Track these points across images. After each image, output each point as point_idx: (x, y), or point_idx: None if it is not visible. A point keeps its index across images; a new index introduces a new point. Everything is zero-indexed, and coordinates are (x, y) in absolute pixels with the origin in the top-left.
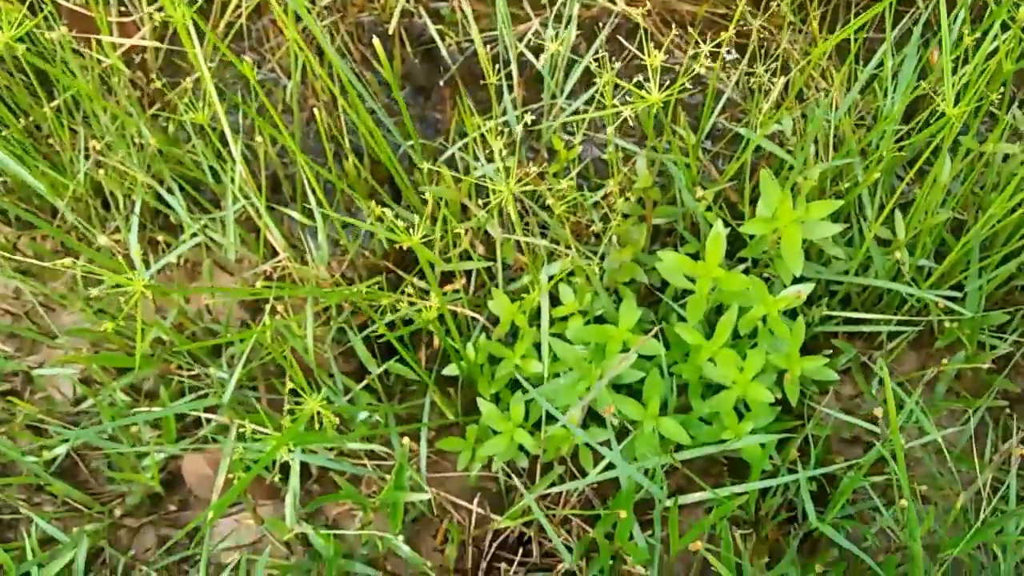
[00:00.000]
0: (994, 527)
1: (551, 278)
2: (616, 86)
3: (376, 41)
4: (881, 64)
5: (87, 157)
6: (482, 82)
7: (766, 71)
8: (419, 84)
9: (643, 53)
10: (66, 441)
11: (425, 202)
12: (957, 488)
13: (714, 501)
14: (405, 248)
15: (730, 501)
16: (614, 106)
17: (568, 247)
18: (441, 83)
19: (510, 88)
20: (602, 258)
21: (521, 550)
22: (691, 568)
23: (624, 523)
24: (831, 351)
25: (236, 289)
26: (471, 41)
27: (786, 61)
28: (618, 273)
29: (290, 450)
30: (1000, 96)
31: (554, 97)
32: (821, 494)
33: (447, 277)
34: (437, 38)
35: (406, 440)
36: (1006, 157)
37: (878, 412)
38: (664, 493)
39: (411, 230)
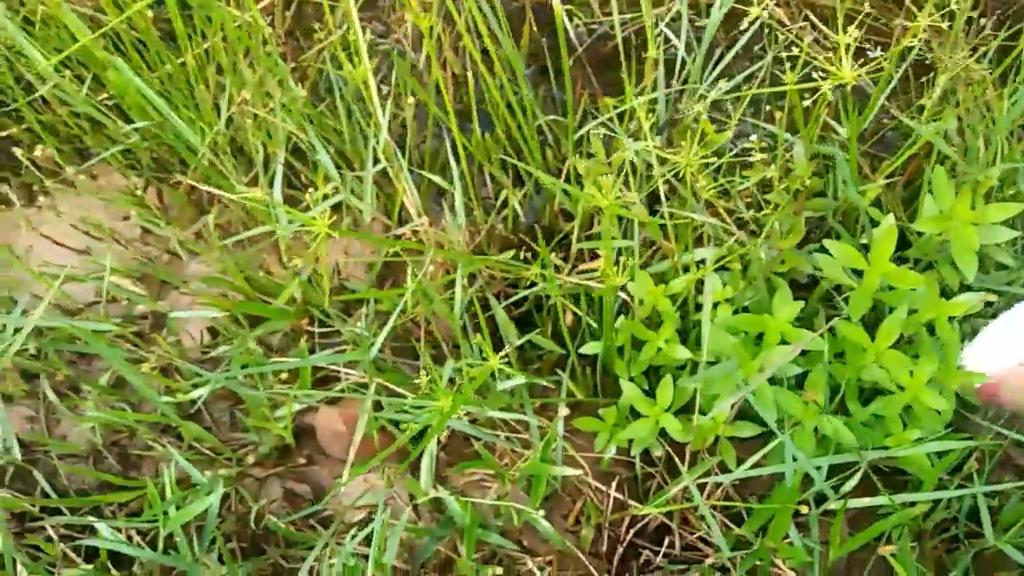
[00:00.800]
0: None
1: (702, 263)
2: (760, 77)
3: (556, 3)
4: None
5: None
6: (607, 60)
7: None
8: (544, 64)
9: (775, 46)
10: (206, 383)
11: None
12: None
13: (882, 510)
14: (536, 224)
15: (907, 510)
16: (797, 82)
17: (726, 229)
18: (569, 64)
19: (645, 70)
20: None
21: (666, 541)
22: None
23: (780, 522)
24: None
25: (394, 241)
26: (599, 23)
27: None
28: (775, 262)
29: (457, 415)
30: None
31: (692, 82)
32: (976, 512)
33: (580, 256)
34: (565, 19)
35: (564, 409)
36: None
37: None
38: (835, 494)
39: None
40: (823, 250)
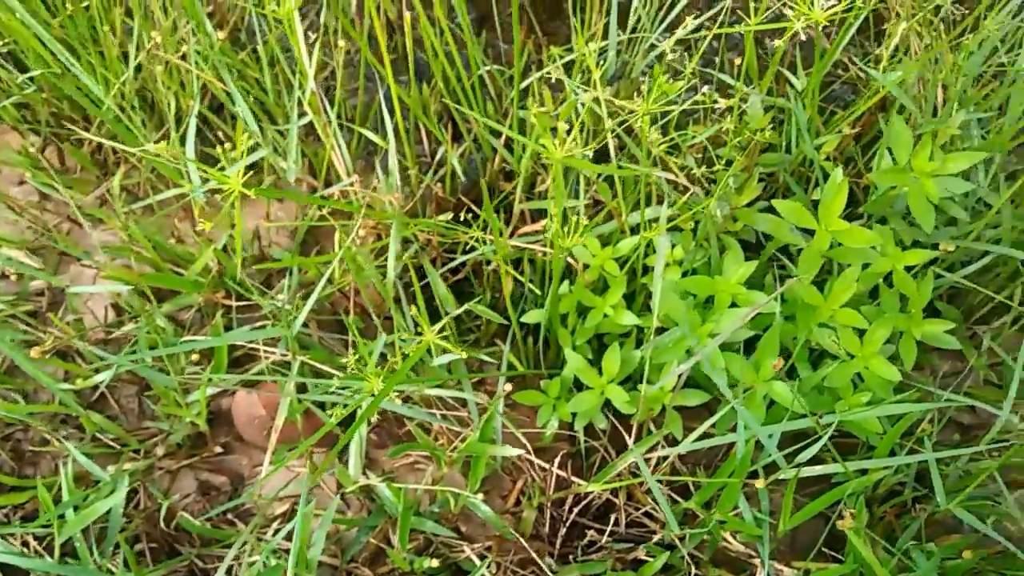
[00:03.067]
0: None
1: (654, 221)
2: (705, 36)
3: None
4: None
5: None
6: (552, 8)
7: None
8: (483, 11)
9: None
10: (108, 367)
11: (496, 137)
12: None
13: (833, 477)
14: (471, 183)
15: (861, 478)
16: (761, 22)
17: (662, 191)
18: (507, 12)
19: (592, 18)
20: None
21: (610, 518)
22: (791, 545)
23: (729, 494)
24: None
25: (326, 200)
26: None
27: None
28: (727, 221)
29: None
30: None
31: (642, 30)
32: (925, 475)
33: (523, 218)
34: None
35: (507, 386)
36: None
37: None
38: (787, 464)
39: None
40: (773, 209)
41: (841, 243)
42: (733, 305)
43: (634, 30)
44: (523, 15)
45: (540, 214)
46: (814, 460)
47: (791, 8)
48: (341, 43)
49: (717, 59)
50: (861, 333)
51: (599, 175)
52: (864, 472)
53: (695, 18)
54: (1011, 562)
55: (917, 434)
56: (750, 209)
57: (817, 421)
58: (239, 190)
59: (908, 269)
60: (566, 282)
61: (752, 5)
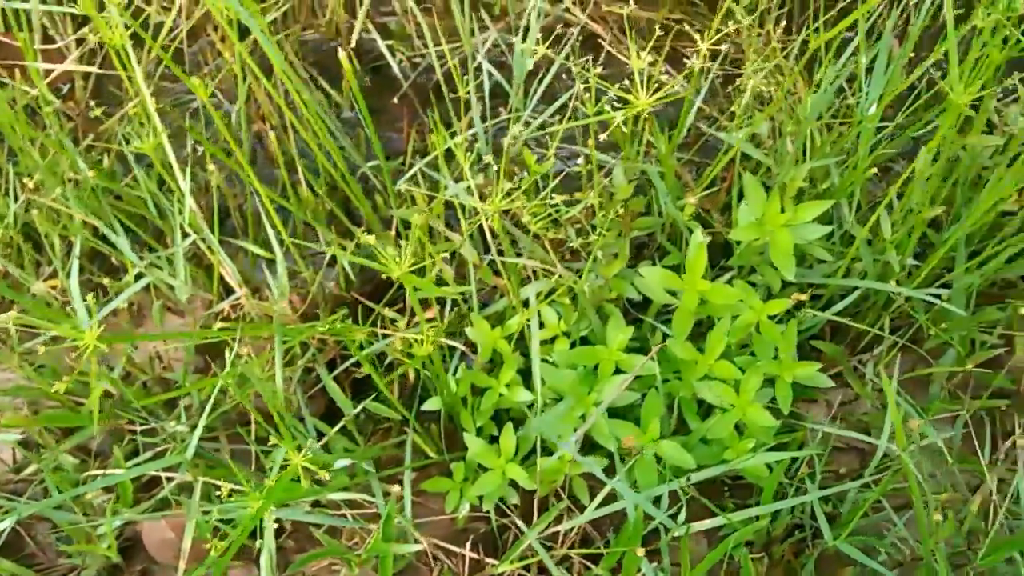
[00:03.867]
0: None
1: (535, 298)
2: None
3: (343, 57)
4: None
5: (16, 198)
6: (435, 95)
7: (732, 81)
8: (370, 104)
9: (598, 64)
10: (8, 513)
11: (388, 228)
12: (961, 492)
13: (728, 527)
14: (369, 277)
15: (747, 526)
16: (597, 113)
17: (549, 266)
18: (395, 101)
19: (478, 100)
20: (578, 275)
21: None
22: None
23: (631, 559)
24: (820, 359)
25: (194, 332)
26: (423, 56)
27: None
28: (603, 290)
29: (273, 510)
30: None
31: (518, 110)
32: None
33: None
34: (387, 53)
35: (396, 488)
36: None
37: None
38: (676, 523)
39: (389, 258)
40: None
41: (708, 300)
42: (617, 371)
43: (518, 109)
44: (408, 106)
45: (439, 301)
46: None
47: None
48: (211, 167)
49: (595, 130)
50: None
51: (483, 261)
52: (755, 519)
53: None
54: None
55: (800, 474)
56: (621, 279)
57: (685, 480)
58: (93, 344)
59: (779, 315)
60: (463, 367)
61: (590, 93)
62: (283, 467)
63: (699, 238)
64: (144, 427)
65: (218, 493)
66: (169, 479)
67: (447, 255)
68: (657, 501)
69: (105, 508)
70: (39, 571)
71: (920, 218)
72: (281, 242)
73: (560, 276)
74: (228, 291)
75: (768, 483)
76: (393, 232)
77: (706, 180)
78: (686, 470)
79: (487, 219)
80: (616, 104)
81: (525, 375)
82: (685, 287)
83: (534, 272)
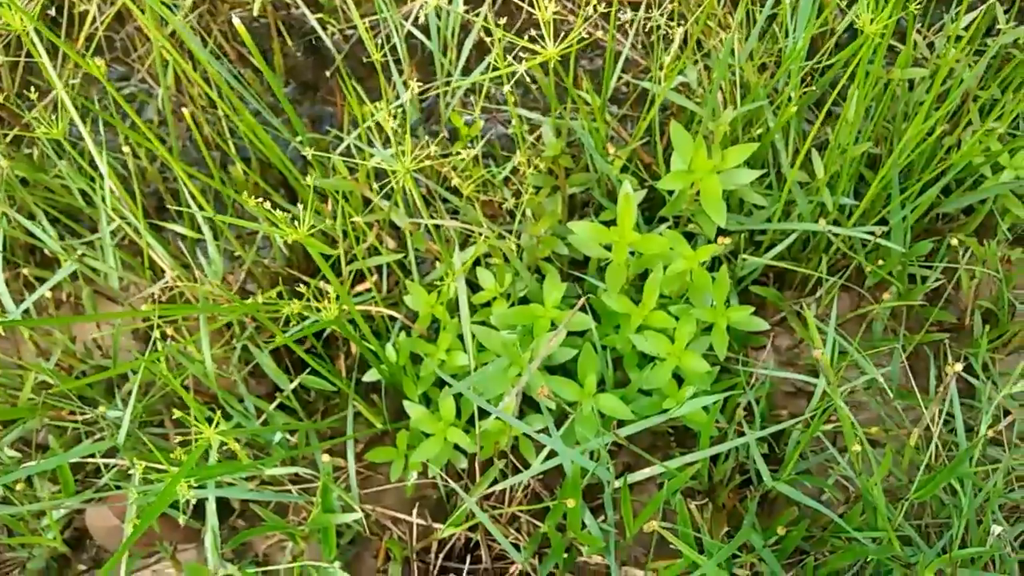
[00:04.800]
0: (953, 469)
1: (463, 261)
2: (512, 56)
3: (238, 24)
4: (778, 3)
5: None
6: (370, 67)
7: (664, 23)
8: (305, 79)
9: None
10: None
11: (325, 200)
12: (905, 427)
13: (666, 475)
14: (308, 252)
15: (682, 472)
16: (508, 65)
17: (479, 227)
18: (328, 75)
19: (400, 70)
20: (518, 236)
21: (470, 556)
22: (651, 547)
23: (574, 512)
24: (762, 305)
25: (117, 313)
26: (355, 28)
27: (681, 12)
28: (537, 249)
29: (192, 486)
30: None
31: (449, 75)
32: (772, 452)
33: (359, 277)
34: (318, 27)
35: (326, 457)
36: (912, 84)
37: (817, 355)
38: (612, 474)
39: (296, 224)
40: None
41: (641, 252)
42: (555, 328)
43: (449, 74)
44: (343, 80)
45: (376, 270)
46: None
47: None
48: (126, 148)
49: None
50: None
51: (418, 226)
52: (692, 464)
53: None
54: (841, 527)
55: (736, 417)
56: (552, 236)
57: (614, 431)
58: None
59: (708, 262)
60: (403, 335)
61: (499, 46)
62: (208, 443)
63: (627, 189)
64: (84, 416)
65: (156, 476)
66: (107, 465)
67: (383, 223)
68: (599, 455)
69: (47, 501)
70: None
71: (850, 156)
72: (212, 224)
73: (491, 236)
74: (161, 275)
75: (704, 427)
76: (329, 205)
77: (639, 133)
78: (627, 422)
79: (399, 180)
80: (525, 56)
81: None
82: (616, 239)
83: (469, 236)
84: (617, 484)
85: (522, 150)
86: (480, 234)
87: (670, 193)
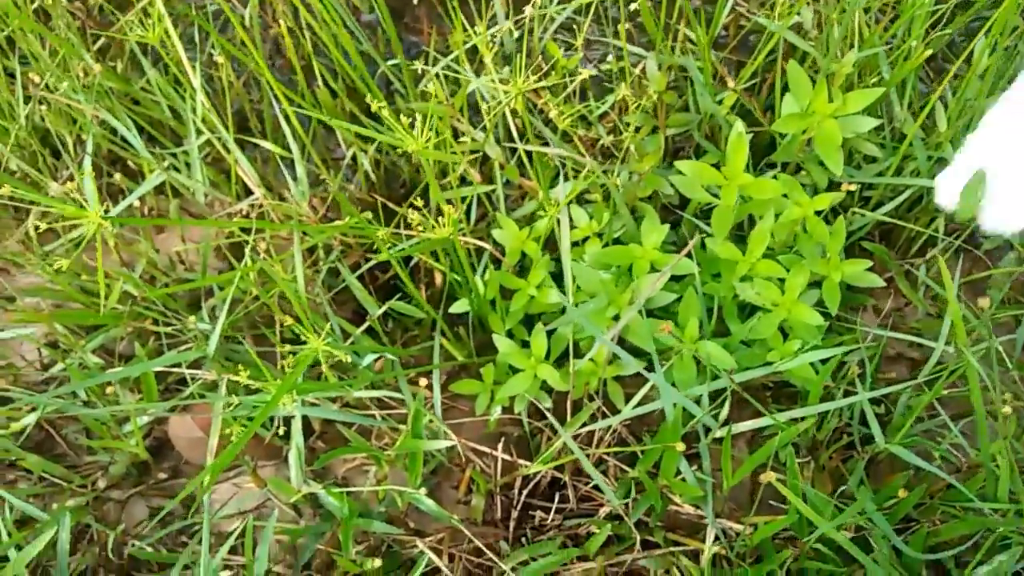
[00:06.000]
0: None
1: (569, 193)
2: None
3: None
4: None
5: (28, 100)
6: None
7: None
8: (390, 5)
9: None
10: (34, 410)
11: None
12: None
13: (775, 428)
14: (392, 179)
15: (792, 427)
16: None
17: (577, 164)
18: (415, 2)
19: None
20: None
21: (556, 496)
22: (748, 501)
23: (670, 457)
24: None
25: (211, 221)
26: None
27: None
28: (637, 188)
29: (292, 400)
30: None
31: (544, 5)
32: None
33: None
34: None
35: (424, 381)
36: None
37: (983, 303)
38: (717, 423)
39: (405, 131)
40: None
41: (751, 196)
42: (654, 271)
43: (544, 5)
44: (429, 7)
45: (462, 201)
46: (758, 413)
47: None
48: (219, 58)
49: (628, 25)
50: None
51: (509, 158)
52: (799, 420)
53: None
54: (957, 494)
55: (848, 376)
56: (655, 175)
57: (729, 376)
58: (98, 222)
59: (825, 213)
60: (491, 268)
61: None
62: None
63: (740, 128)
64: (168, 327)
65: (245, 391)
66: (194, 377)
67: (472, 157)
68: (696, 402)
69: (132, 407)
70: (67, 467)
71: (978, 111)
72: (300, 143)
73: (591, 172)
74: (248, 194)
75: (815, 382)
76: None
77: (746, 75)
78: (727, 372)
79: (510, 104)
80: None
81: (556, 280)
82: (725, 181)
83: (564, 173)
84: (719, 433)
85: (627, 82)
86: (576, 170)
87: (781, 136)
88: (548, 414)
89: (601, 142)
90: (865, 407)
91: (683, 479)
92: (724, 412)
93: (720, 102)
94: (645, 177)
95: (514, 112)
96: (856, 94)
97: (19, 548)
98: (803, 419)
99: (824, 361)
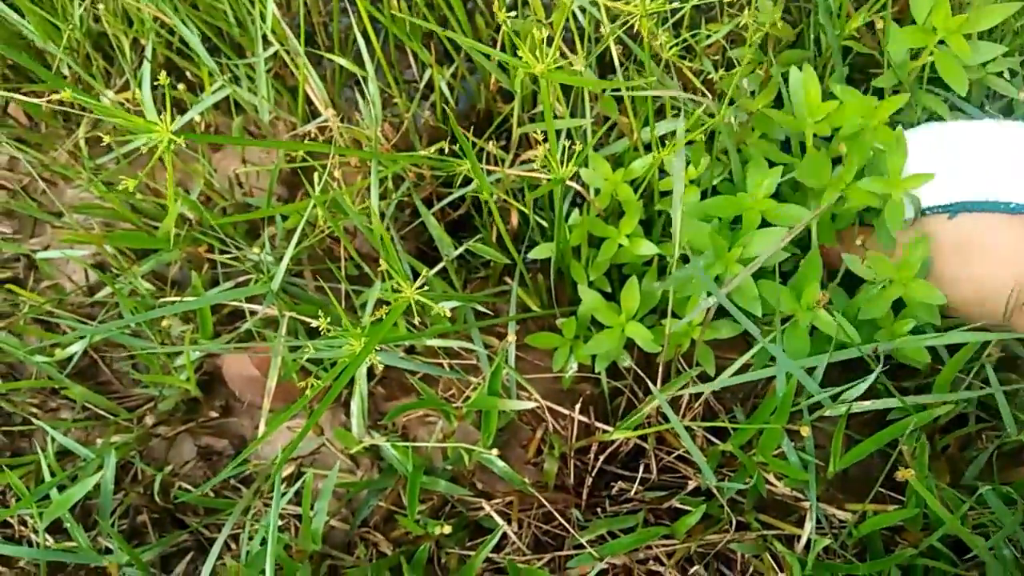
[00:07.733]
0: None
1: (666, 137)
2: None
3: None
4: None
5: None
6: None
7: None
8: None
9: None
10: (82, 338)
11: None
12: None
13: (901, 411)
14: (471, 108)
15: (924, 412)
16: None
17: (675, 102)
18: None
19: None
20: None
21: (638, 466)
22: (848, 486)
23: (771, 435)
24: None
25: (279, 143)
26: None
27: None
28: (746, 129)
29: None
30: None
31: None
32: (984, 407)
33: (524, 143)
34: None
35: (511, 336)
36: None
37: None
38: (831, 402)
39: (527, 53)
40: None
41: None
42: (764, 224)
43: None
44: None
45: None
46: (867, 394)
47: None
48: None
49: None
50: None
51: (604, 89)
52: (922, 408)
53: None
54: None
55: (983, 360)
56: (766, 116)
57: (870, 355)
58: (169, 138)
59: None
60: (576, 212)
61: None
62: (384, 304)
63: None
64: (226, 255)
65: (307, 331)
66: (253, 312)
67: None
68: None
69: (183, 340)
70: (113, 398)
71: None
72: (374, 59)
73: (703, 111)
74: (314, 115)
75: (948, 367)
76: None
77: (870, 8)
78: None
79: (612, 36)
80: None
81: (645, 227)
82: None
83: (661, 109)
84: (830, 412)
85: (750, 11)
86: (676, 109)
87: (889, 65)
88: (643, 374)
89: (707, 75)
90: (997, 395)
91: (784, 458)
92: (860, 388)
93: (839, 36)
94: (755, 118)
95: (618, 40)
96: (985, 9)
97: (60, 489)
98: (926, 407)
99: (967, 343)
